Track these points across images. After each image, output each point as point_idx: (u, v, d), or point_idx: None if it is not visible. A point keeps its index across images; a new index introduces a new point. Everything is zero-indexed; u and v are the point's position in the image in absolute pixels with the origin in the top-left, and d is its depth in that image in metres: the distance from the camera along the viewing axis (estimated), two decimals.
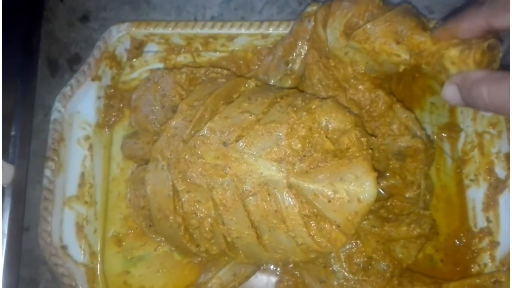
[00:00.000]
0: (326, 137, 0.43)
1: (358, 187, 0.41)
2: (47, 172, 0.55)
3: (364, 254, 0.48)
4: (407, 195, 0.53)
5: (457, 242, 0.57)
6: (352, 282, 0.47)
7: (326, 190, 0.41)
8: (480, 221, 0.57)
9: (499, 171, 0.57)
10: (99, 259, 0.56)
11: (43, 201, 0.54)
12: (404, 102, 0.57)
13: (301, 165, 0.43)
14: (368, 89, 0.51)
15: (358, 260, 0.48)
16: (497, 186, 0.57)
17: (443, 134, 0.61)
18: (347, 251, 0.48)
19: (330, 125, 0.44)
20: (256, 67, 0.61)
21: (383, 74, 0.51)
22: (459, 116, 0.61)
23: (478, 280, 0.51)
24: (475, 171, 0.58)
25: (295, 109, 0.45)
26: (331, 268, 0.48)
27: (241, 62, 0.63)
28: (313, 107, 0.44)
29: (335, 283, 0.47)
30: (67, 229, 0.55)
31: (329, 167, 0.42)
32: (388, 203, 0.51)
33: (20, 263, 0.56)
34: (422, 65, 0.45)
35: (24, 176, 0.58)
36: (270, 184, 0.43)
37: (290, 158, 0.43)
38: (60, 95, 0.57)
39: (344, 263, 0.47)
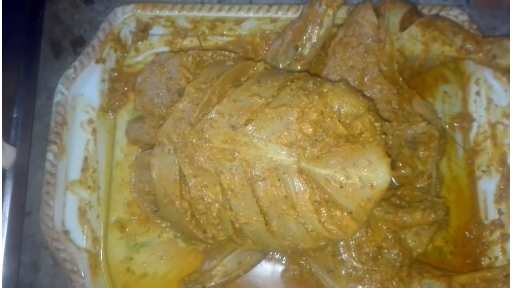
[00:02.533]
0: (339, 121, 0.42)
1: (371, 173, 0.40)
2: (50, 156, 0.53)
3: (374, 243, 0.46)
4: (418, 185, 0.51)
5: (468, 234, 0.56)
6: (361, 271, 0.46)
7: (338, 176, 0.40)
8: (491, 213, 0.56)
9: None
10: (101, 245, 0.55)
11: (45, 185, 0.53)
12: (416, 91, 0.57)
13: (312, 149, 0.41)
14: (391, 82, 0.51)
15: (367, 249, 0.46)
16: (510, 177, 0.56)
17: (455, 124, 0.60)
18: (356, 239, 0.46)
19: (343, 109, 0.42)
20: (264, 52, 0.60)
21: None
22: (472, 105, 0.59)
23: (489, 274, 0.50)
24: (488, 162, 0.57)
25: (306, 92, 0.43)
26: (339, 257, 0.46)
27: (249, 46, 0.61)
28: (325, 90, 0.43)
29: (343, 272, 0.46)
30: (69, 214, 0.54)
31: (341, 152, 0.41)
32: (399, 192, 0.50)
33: (21, 248, 0.55)
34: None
35: (26, 159, 0.57)
36: (280, 169, 0.41)
37: (301, 143, 0.42)
38: (64, 77, 0.56)
39: (353, 252, 0.46)
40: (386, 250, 0.47)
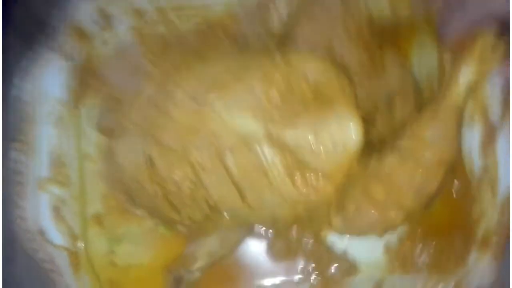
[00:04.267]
0: (305, 83, 0.40)
1: (342, 132, 0.38)
2: (14, 154, 0.51)
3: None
4: None
5: None
6: None
7: (308, 138, 0.38)
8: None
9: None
10: (81, 241, 0.53)
11: (13, 185, 0.51)
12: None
13: (280, 114, 0.40)
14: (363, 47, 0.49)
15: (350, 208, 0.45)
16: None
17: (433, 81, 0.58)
18: None
19: (309, 72, 0.41)
20: (233, 32, 0.58)
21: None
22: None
23: None
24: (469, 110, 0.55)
25: (270, 58, 0.41)
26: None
27: (217, 28, 0.59)
28: (290, 56, 0.41)
29: None
30: (43, 213, 0.52)
31: (310, 114, 0.39)
32: None
33: None
34: None
35: None
36: (249, 138, 0.40)
37: (267, 109, 0.40)
38: (23, 70, 0.54)
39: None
40: None
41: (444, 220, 0.54)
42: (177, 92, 0.42)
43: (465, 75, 0.45)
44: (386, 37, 0.57)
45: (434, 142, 0.45)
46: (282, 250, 0.51)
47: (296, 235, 0.50)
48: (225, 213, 0.43)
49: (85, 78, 0.57)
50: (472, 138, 0.55)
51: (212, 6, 0.57)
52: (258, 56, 0.44)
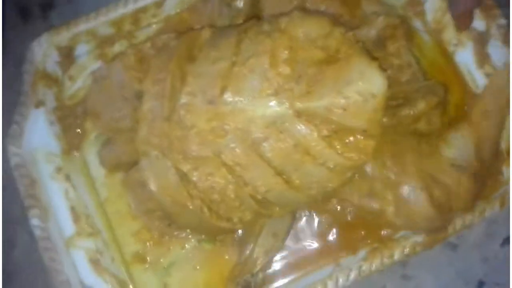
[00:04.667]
0: (309, 45, 0.39)
1: (367, 83, 0.37)
2: (35, 221, 0.48)
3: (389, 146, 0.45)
4: (403, 79, 0.50)
5: (467, 109, 0.55)
6: (393, 175, 0.44)
7: (337, 101, 0.37)
8: (479, 80, 0.55)
9: (477, 24, 0.55)
10: (130, 286, 0.51)
11: (44, 252, 0.48)
12: None
13: (300, 87, 0.38)
14: None
15: (387, 154, 0.44)
16: (481, 39, 0.55)
17: (409, 13, 0.58)
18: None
19: (310, 35, 0.39)
20: (198, 24, 0.56)
21: None
22: None
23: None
24: (455, 33, 0.56)
25: (266, 34, 0.40)
26: (368, 176, 0.44)
27: (180, 25, 0.57)
28: (283, 25, 0.40)
29: (380, 185, 0.44)
30: (83, 270, 0.49)
31: (328, 76, 0.38)
32: (389, 94, 0.48)
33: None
34: None
35: None
36: (277, 121, 0.38)
37: (285, 86, 0.38)
38: (9, 137, 0.50)
39: (377, 163, 0.44)
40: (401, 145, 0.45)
41: None
42: (185, 98, 0.40)
43: None
44: None
45: None
46: (330, 223, 0.51)
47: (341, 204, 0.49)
48: (274, 205, 0.42)
49: (68, 121, 0.54)
50: (465, 55, 0.55)
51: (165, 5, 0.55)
52: (249, 35, 0.42)
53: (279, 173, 0.40)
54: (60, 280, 0.48)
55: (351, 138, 0.39)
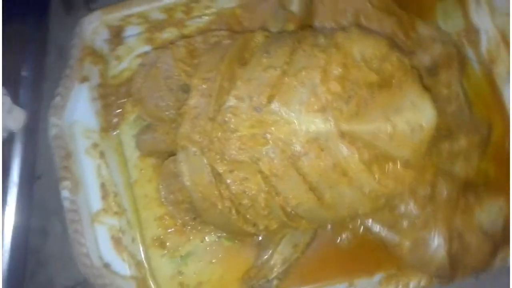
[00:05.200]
0: (363, 65, 0.39)
1: (417, 113, 0.37)
2: (65, 193, 0.49)
3: (426, 183, 0.44)
4: (449, 111, 0.49)
5: (507, 146, 0.54)
6: (423, 217, 0.44)
7: (384, 127, 0.37)
8: None
9: None
10: (146, 267, 0.52)
11: (70, 224, 0.49)
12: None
13: (348, 107, 0.38)
14: (387, 14, 0.47)
15: (422, 192, 0.44)
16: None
17: (463, 40, 0.57)
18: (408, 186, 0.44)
19: (365, 55, 0.39)
20: (250, 21, 0.56)
21: None
22: (475, 16, 0.56)
23: None
24: (506, 68, 0.55)
25: (321, 48, 0.40)
26: (397, 211, 0.44)
27: (231, 21, 0.56)
28: (340, 40, 0.40)
29: (405, 224, 0.44)
30: (104, 246, 0.51)
31: (379, 101, 0.38)
32: None
33: (31, 213, 0.53)
34: None
35: (37, 121, 0.53)
36: (320, 138, 0.38)
37: (333, 104, 0.38)
38: (52, 108, 0.52)
39: (410, 200, 0.44)
40: (439, 187, 0.45)
41: None
42: (232, 101, 0.40)
43: None
44: (409, 7, 0.55)
45: None
46: (350, 239, 0.51)
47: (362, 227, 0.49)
48: (302, 218, 0.42)
49: (110, 99, 0.55)
50: None
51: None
52: (303, 46, 0.42)
53: (312, 189, 0.40)
54: (81, 252, 0.49)
55: (391, 166, 0.39)
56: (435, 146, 0.46)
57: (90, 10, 0.55)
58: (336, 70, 0.39)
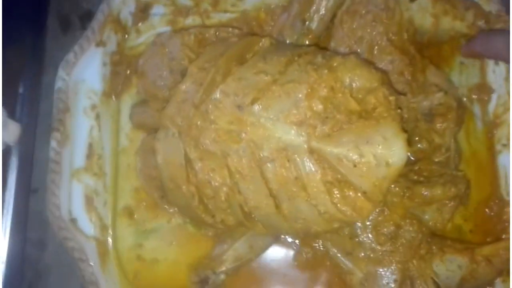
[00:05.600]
0: (351, 96, 0.40)
1: (387, 150, 0.37)
2: (53, 143, 0.52)
3: (391, 222, 0.45)
4: (436, 159, 0.49)
5: (488, 212, 0.54)
6: (380, 253, 0.44)
7: (351, 154, 0.38)
8: None
9: None
10: (110, 232, 0.54)
11: (50, 173, 0.52)
12: (431, 61, 0.54)
13: (323, 127, 0.39)
14: (401, 52, 0.48)
15: (385, 229, 0.45)
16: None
17: (473, 96, 0.57)
18: (373, 220, 0.45)
19: (355, 84, 0.40)
20: (270, 27, 0.57)
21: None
22: (491, 76, 0.57)
23: None
24: (508, 135, 0.54)
25: (315, 67, 0.41)
26: (357, 239, 0.45)
27: (254, 22, 0.58)
28: (335, 64, 0.41)
29: (362, 254, 0.45)
30: (76, 202, 0.53)
31: (354, 129, 0.38)
32: (416, 167, 0.48)
33: (27, 225, 0.54)
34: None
35: (32, 136, 0.55)
36: (290, 149, 0.39)
37: (311, 121, 0.39)
38: (64, 62, 0.54)
39: (370, 234, 0.44)
40: (404, 229, 0.45)
41: None
42: (218, 94, 0.42)
43: None
44: (428, 51, 0.56)
45: None
46: (308, 258, 0.51)
47: (323, 247, 0.49)
48: (258, 222, 0.43)
49: (120, 68, 0.57)
50: (509, 159, 0.54)
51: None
52: (300, 61, 0.43)
53: (272, 196, 0.41)
54: (53, 202, 0.51)
55: (351, 193, 0.39)
56: (410, 189, 0.46)
57: (85, 28, 0.57)
58: (323, 90, 0.40)
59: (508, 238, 0.50)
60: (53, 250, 0.55)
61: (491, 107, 0.56)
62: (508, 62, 0.50)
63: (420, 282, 0.45)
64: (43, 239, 0.55)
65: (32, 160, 0.56)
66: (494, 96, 0.56)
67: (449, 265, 0.46)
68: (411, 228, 0.45)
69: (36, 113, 0.56)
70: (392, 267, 0.45)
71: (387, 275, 0.45)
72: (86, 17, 0.59)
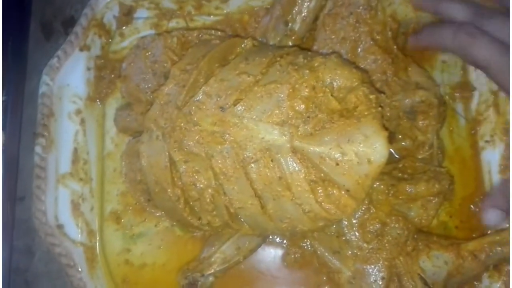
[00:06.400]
0: (332, 95, 0.40)
1: (368, 148, 0.38)
2: (38, 149, 0.52)
3: (377, 220, 0.45)
4: (419, 157, 0.50)
5: (473, 207, 0.54)
6: (366, 251, 0.45)
7: (333, 153, 0.38)
8: (496, 183, 0.54)
9: None
10: (97, 238, 0.54)
11: (35, 179, 0.51)
12: (413, 60, 0.54)
13: (305, 127, 0.39)
14: (384, 51, 0.48)
15: (371, 227, 0.45)
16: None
17: (455, 94, 0.57)
18: (359, 218, 0.45)
19: (335, 83, 0.40)
20: (254, 30, 0.57)
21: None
22: (473, 74, 0.57)
23: (498, 237, 0.48)
24: (491, 131, 0.55)
25: (296, 67, 0.41)
26: (344, 238, 0.45)
27: (237, 25, 0.59)
28: (316, 64, 0.41)
29: (349, 252, 0.45)
30: (62, 208, 0.53)
31: (335, 128, 0.39)
32: (400, 165, 0.48)
33: (14, 234, 0.54)
34: None
35: (16, 143, 0.55)
36: (273, 149, 0.40)
37: (293, 121, 0.40)
38: (48, 67, 0.54)
39: (357, 232, 0.45)
40: (390, 226, 0.45)
41: None
42: (201, 95, 0.42)
43: None
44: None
45: None
46: (297, 258, 0.51)
47: (311, 246, 0.49)
48: (244, 222, 0.43)
49: (104, 72, 0.57)
50: (492, 155, 0.54)
51: (230, 2, 0.57)
52: (282, 61, 0.43)
53: (257, 196, 0.41)
54: (39, 208, 0.51)
55: (335, 192, 0.40)
56: (395, 186, 0.47)
57: (68, 34, 0.56)
58: (304, 91, 0.40)
59: (493, 233, 0.50)
60: (41, 258, 0.54)
61: (473, 104, 0.57)
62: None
63: (407, 279, 0.45)
64: (31, 247, 0.55)
65: (18, 168, 0.55)
66: (476, 94, 0.57)
67: (436, 261, 0.47)
68: (397, 225, 0.46)
69: (20, 120, 0.56)
70: (379, 265, 0.45)
71: (375, 272, 0.45)
72: (69, 23, 0.60)
